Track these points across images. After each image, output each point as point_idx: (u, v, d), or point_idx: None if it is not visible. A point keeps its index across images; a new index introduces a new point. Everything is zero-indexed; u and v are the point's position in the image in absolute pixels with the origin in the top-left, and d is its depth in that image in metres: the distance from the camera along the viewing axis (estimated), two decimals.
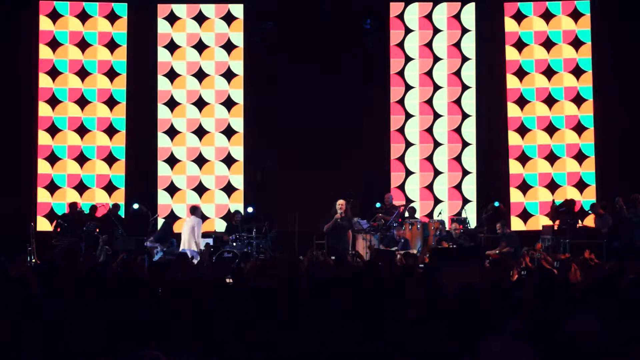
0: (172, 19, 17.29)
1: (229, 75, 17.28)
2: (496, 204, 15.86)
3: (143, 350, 4.16)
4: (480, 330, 5.44)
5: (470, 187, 17.09)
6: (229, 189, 17.16)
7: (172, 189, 17.13)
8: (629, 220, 14.27)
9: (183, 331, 5.67)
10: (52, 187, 16.81)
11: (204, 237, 15.14)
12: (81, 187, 16.87)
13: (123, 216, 16.02)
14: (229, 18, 17.32)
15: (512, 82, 17.17)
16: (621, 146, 16.37)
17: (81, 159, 16.95)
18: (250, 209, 15.90)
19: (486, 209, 15.95)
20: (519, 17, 17.22)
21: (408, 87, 17.26)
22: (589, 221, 15.66)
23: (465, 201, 16.87)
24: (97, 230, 14.96)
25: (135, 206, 15.91)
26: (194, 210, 15.08)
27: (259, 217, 15.67)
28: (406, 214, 15.64)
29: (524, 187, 17.02)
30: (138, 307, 6.11)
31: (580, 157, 16.93)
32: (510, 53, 17.19)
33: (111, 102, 17.11)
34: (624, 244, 13.95)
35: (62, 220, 15.18)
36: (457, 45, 17.26)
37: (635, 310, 5.83)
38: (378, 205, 15.46)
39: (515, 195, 17.03)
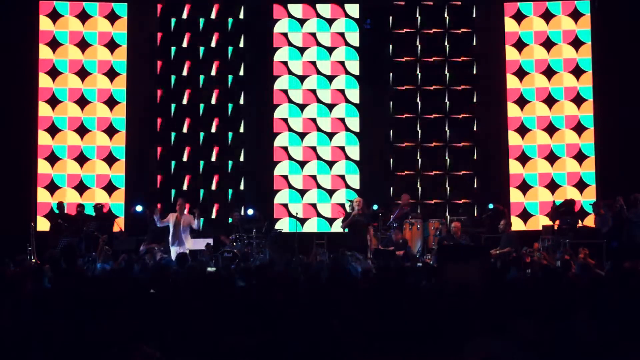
0: (519, 17, 17.22)
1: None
2: (490, 206, 15.82)
3: (138, 346, 4.13)
4: (478, 329, 5.45)
5: (470, 186, 17.11)
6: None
7: (524, 187, 17.00)
8: (629, 220, 14.26)
9: (183, 331, 5.65)
10: (52, 187, 16.81)
11: (205, 237, 15.15)
12: (81, 187, 16.87)
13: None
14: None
15: (512, 82, 17.17)
16: (621, 146, 16.35)
17: (81, 159, 16.95)
18: (250, 211, 15.81)
19: (486, 209, 15.96)
20: (519, 17, 17.23)
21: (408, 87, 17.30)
22: (589, 221, 15.65)
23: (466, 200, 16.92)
24: (97, 230, 14.93)
25: (139, 208, 15.84)
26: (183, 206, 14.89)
27: (259, 218, 15.65)
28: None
29: (524, 187, 17.02)
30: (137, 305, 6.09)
31: (580, 157, 16.93)
32: (510, 53, 17.20)
33: (111, 102, 17.11)
34: (624, 244, 13.93)
35: (62, 220, 15.16)
36: (458, 44, 17.29)
37: (633, 309, 5.82)
38: (375, 207, 15.39)
39: (515, 195, 17.03)
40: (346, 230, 14.70)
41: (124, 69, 17.15)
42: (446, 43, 17.28)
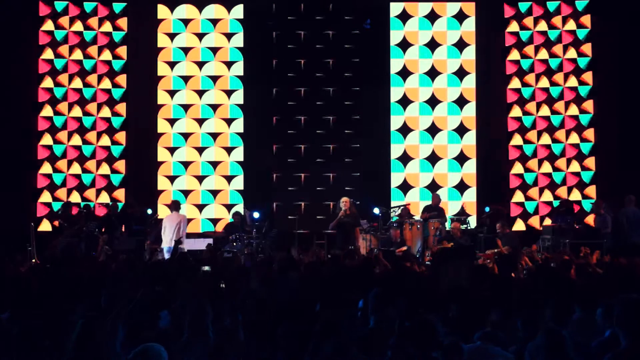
0: None
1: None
2: (487, 209, 15.79)
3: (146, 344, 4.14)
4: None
5: (470, 186, 17.13)
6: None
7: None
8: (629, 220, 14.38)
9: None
10: (52, 187, 16.81)
11: (205, 237, 15.17)
12: (81, 187, 16.88)
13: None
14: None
15: (512, 82, 17.18)
16: (620, 146, 16.35)
17: (81, 159, 16.96)
18: (256, 215, 15.75)
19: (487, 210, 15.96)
20: (519, 17, 17.24)
21: (408, 88, 17.34)
22: (589, 221, 15.65)
23: (465, 201, 16.94)
24: (97, 230, 14.93)
25: (149, 211, 15.87)
26: (177, 206, 14.91)
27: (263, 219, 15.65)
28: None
29: (524, 187, 17.02)
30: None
31: (580, 157, 16.93)
32: (510, 53, 17.21)
33: (111, 102, 17.14)
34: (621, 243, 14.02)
35: (62, 220, 15.15)
36: (457, 45, 17.31)
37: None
38: (376, 212, 15.30)
39: (515, 195, 17.03)
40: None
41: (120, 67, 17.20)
42: None
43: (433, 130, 17.28)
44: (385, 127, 17.26)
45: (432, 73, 17.34)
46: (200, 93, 17.31)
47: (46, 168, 16.89)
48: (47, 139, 16.94)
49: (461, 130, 17.28)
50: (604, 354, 4.88)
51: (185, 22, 17.39)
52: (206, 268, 7.74)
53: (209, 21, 17.39)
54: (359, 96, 17.18)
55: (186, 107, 17.30)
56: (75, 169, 16.97)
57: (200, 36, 17.37)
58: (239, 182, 17.23)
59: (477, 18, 17.23)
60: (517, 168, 17.07)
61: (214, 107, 17.30)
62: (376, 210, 15.03)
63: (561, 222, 14.75)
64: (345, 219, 14.23)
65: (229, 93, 17.33)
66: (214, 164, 17.24)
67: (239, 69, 17.33)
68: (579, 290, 6.49)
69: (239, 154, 17.27)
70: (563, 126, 17.01)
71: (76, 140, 17.00)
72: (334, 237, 14.79)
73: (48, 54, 17.03)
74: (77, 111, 17.06)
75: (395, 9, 17.42)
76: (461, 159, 17.25)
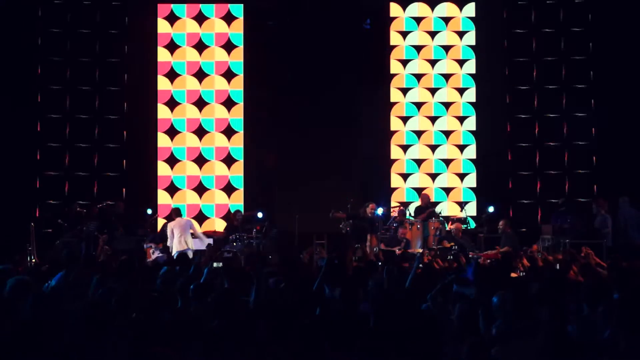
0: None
1: (229, 74, 17.33)
2: (490, 209, 15.80)
3: (152, 347, 4.13)
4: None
5: (470, 187, 17.14)
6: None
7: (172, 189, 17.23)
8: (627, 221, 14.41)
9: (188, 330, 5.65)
10: (53, 187, 16.79)
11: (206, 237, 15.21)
12: (82, 188, 16.87)
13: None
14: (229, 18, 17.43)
15: (511, 81, 17.19)
16: (621, 146, 16.34)
17: (80, 159, 16.95)
18: (260, 214, 15.76)
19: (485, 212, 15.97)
20: (516, 16, 17.24)
21: (407, 88, 17.35)
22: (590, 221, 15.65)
23: (465, 201, 16.95)
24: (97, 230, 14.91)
25: (149, 211, 15.90)
26: (179, 212, 15.12)
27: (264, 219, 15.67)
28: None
29: (523, 187, 17.02)
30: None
31: (577, 157, 16.92)
32: (509, 53, 17.21)
33: (110, 103, 17.13)
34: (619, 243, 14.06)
35: (62, 220, 15.15)
36: (457, 45, 17.33)
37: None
38: (378, 213, 15.29)
39: (514, 195, 17.03)
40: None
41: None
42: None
43: None
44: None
45: None
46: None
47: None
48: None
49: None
50: (603, 354, 4.89)
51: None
52: (216, 264, 7.73)
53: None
54: None
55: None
56: (75, 169, 16.95)
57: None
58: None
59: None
60: (517, 168, 17.07)
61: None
62: (379, 211, 15.02)
63: (561, 222, 14.76)
64: (361, 223, 14.33)
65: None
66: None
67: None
68: (582, 289, 6.48)
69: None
70: (562, 126, 17.01)
71: (75, 140, 16.98)
72: (335, 237, 14.80)
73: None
74: (77, 111, 17.06)
75: None
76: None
